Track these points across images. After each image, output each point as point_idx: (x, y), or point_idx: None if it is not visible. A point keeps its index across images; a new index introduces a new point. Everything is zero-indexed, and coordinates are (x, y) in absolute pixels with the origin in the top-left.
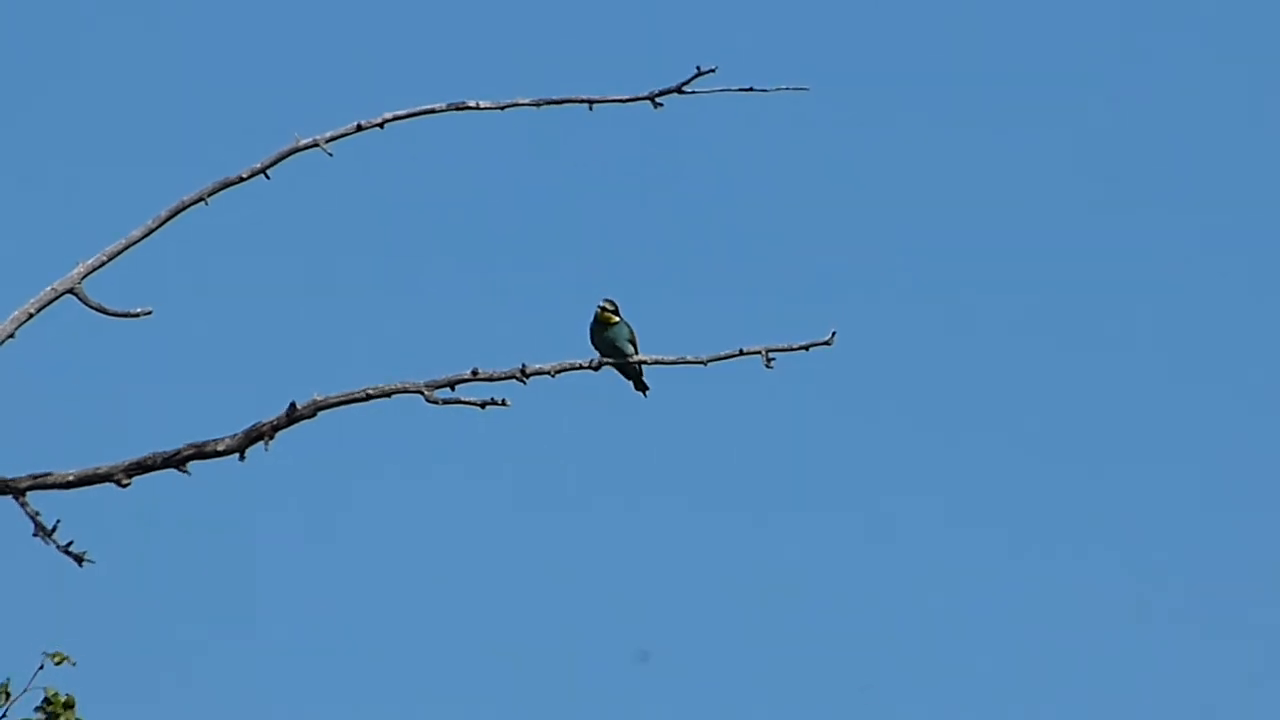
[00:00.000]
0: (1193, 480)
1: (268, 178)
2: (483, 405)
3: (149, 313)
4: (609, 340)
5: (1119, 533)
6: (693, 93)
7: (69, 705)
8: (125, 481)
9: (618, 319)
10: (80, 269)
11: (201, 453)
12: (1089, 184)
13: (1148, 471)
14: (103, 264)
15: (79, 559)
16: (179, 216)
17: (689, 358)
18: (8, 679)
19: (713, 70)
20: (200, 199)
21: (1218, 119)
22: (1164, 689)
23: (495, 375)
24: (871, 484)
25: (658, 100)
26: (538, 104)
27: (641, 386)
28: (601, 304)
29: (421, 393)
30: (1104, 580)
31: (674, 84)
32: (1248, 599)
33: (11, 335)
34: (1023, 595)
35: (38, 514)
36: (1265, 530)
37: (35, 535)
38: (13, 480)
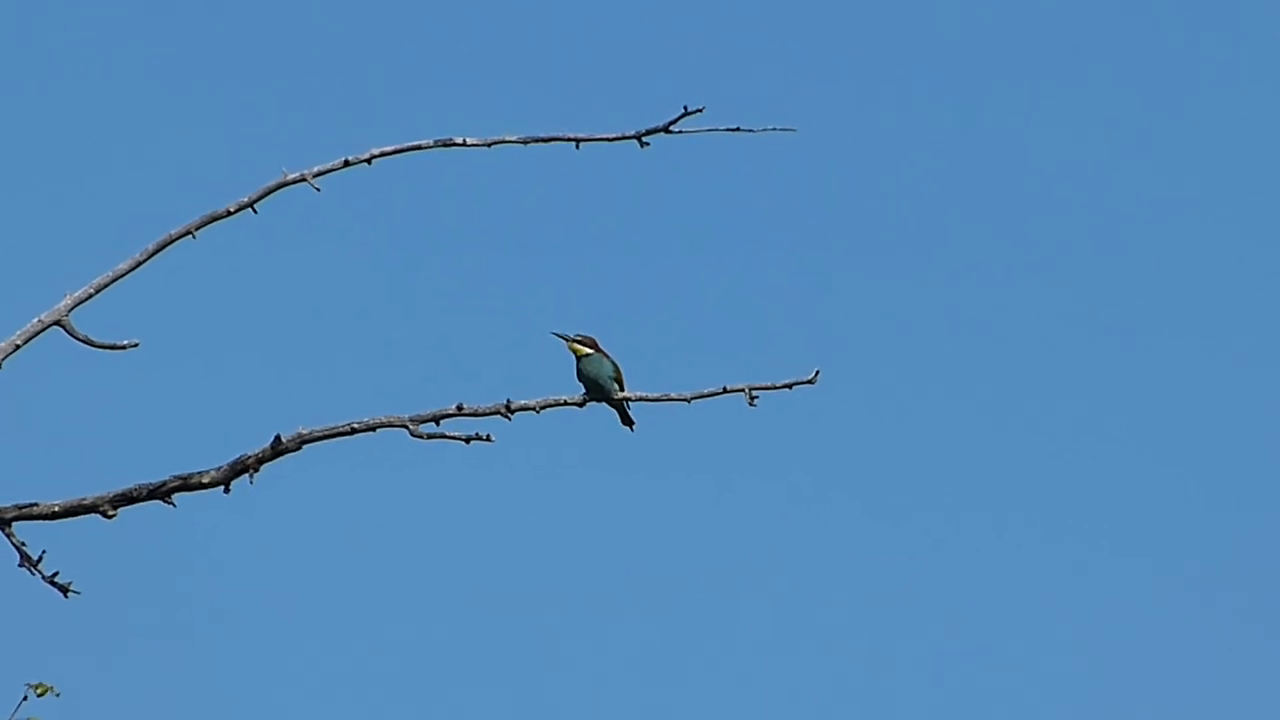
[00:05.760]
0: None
1: (255, 212)
2: (467, 440)
3: (136, 345)
4: (590, 375)
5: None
6: (680, 132)
7: None
8: (111, 513)
9: (590, 352)
10: (68, 301)
11: (187, 485)
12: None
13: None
14: (90, 296)
15: (64, 590)
16: (167, 250)
17: (673, 395)
18: None
19: (700, 110)
20: (188, 232)
21: (1248, 117)
22: None
23: (480, 410)
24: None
25: (644, 140)
26: (524, 141)
27: (628, 421)
28: (568, 337)
29: (406, 427)
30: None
31: (661, 123)
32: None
33: None
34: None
35: (23, 544)
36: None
37: (21, 565)
38: None
